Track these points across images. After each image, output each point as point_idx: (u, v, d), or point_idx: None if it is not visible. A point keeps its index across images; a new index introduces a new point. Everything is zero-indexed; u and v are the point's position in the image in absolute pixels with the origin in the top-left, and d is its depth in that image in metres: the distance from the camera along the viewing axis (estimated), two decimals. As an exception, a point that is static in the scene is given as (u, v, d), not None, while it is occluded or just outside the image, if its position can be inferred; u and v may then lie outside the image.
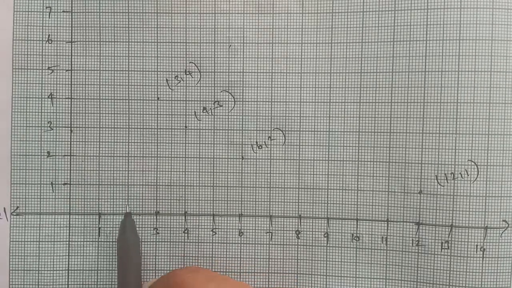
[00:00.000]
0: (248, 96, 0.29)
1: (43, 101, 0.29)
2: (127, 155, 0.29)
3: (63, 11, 0.29)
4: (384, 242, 0.29)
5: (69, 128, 0.29)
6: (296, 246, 0.29)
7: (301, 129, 0.29)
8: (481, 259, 0.27)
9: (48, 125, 0.29)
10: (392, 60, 0.28)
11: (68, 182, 0.29)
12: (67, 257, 0.29)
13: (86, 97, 0.29)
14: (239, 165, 0.29)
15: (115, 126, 0.29)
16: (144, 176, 0.29)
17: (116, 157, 0.29)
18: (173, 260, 0.29)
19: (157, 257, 0.29)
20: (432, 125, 0.28)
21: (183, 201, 0.29)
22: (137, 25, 0.29)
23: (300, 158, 0.29)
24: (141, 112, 0.29)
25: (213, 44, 0.29)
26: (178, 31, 0.29)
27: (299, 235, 0.29)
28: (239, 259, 0.29)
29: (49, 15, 0.29)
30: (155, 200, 0.29)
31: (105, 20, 0.29)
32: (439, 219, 0.28)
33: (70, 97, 0.29)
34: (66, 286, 0.29)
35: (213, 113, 0.29)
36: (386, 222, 0.29)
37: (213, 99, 0.29)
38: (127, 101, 0.29)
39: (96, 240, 0.29)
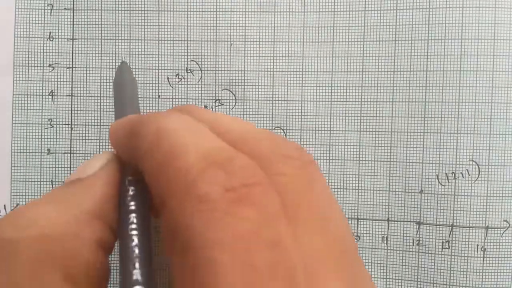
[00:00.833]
0: (249, 95, 0.29)
1: (44, 98, 0.29)
2: (127, 153, 0.29)
3: (65, 9, 0.29)
4: (385, 242, 0.29)
5: (70, 126, 0.29)
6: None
7: (302, 128, 0.29)
8: (482, 259, 0.27)
9: (49, 122, 0.29)
10: (393, 59, 0.28)
11: (69, 180, 0.29)
12: (67, 255, 0.29)
13: (87, 95, 0.29)
14: (239, 164, 0.29)
15: (116, 124, 0.29)
16: (144, 174, 0.29)
17: (116, 155, 0.29)
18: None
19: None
20: (433, 125, 0.28)
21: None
22: (139, 23, 0.29)
23: (301, 157, 0.29)
24: (142, 110, 0.29)
25: (214, 42, 0.29)
26: (179, 29, 0.29)
27: (300, 234, 0.29)
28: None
29: (51, 12, 0.29)
30: (155, 198, 0.29)
31: (106, 18, 0.29)
32: (440, 218, 0.28)
33: (71, 94, 0.29)
34: (66, 284, 0.29)
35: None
36: (386, 222, 0.29)
37: (214, 98, 0.29)
38: (128, 99, 0.29)
39: (96, 238, 0.29)
